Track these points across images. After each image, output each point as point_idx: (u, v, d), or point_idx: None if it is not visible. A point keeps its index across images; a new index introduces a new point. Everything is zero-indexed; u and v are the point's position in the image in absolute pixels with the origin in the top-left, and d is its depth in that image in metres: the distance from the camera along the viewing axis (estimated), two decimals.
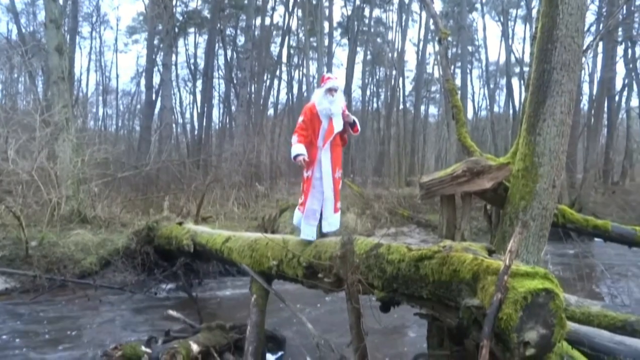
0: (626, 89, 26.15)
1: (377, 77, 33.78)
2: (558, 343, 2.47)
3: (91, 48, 31.35)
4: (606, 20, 16.88)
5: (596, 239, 9.51)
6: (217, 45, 26.24)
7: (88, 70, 31.62)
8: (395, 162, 25.68)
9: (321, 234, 4.82)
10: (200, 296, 7.13)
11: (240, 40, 28.21)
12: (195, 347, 4.67)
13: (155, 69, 23.20)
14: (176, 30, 25.22)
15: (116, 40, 32.86)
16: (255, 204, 15.62)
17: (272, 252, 5.05)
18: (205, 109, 23.79)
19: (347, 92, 25.85)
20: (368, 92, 33.16)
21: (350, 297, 3.79)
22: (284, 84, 30.89)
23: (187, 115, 31.85)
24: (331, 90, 4.80)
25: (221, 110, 29.59)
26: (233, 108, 26.22)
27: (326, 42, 25.75)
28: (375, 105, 33.11)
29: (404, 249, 3.47)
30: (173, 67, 26.29)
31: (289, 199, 16.05)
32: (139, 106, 30.71)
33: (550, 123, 3.94)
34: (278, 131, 27.36)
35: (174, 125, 25.73)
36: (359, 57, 30.66)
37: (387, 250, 3.63)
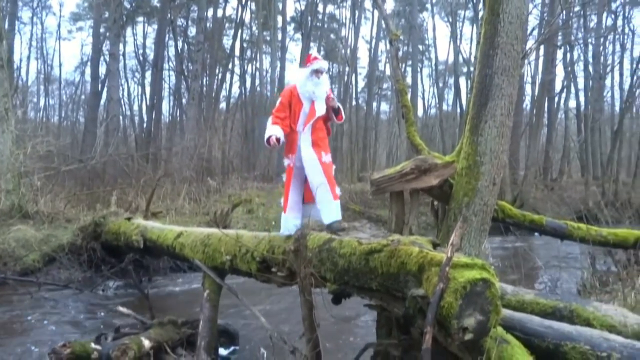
0: (565, 90, 27.70)
1: (331, 73, 34.01)
2: (493, 328, 2.66)
3: (32, 34, 29.88)
4: (546, 26, 17.79)
5: (536, 234, 10.17)
6: (167, 36, 25.50)
7: (28, 58, 30.01)
8: (348, 158, 26.00)
9: (326, 227, 4.32)
10: (151, 292, 7.01)
11: (192, 31, 27.55)
12: (146, 343, 4.63)
13: (102, 58, 22.30)
14: (124, 18, 24.34)
15: (59, 26, 31.17)
16: (207, 199, 15.39)
17: (226, 247, 5.06)
18: (155, 101, 23.07)
19: None
20: None
21: (303, 290, 3.89)
22: (236, 78, 30.53)
23: (136, 107, 30.92)
24: (317, 72, 4.49)
25: (171, 103, 28.84)
26: (184, 101, 25.63)
27: (279, 37, 25.65)
28: None
29: (355, 243, 3.59)
30: (121, 57, 25.37)
31: (241, 194, 15.98)
32: (83, 97, 29.48)
33: (492, 124, 4.18)
34: (230, 125, 26.99)
35: (121, 118, 24.89)
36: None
37: (339, 245, 3.75)
